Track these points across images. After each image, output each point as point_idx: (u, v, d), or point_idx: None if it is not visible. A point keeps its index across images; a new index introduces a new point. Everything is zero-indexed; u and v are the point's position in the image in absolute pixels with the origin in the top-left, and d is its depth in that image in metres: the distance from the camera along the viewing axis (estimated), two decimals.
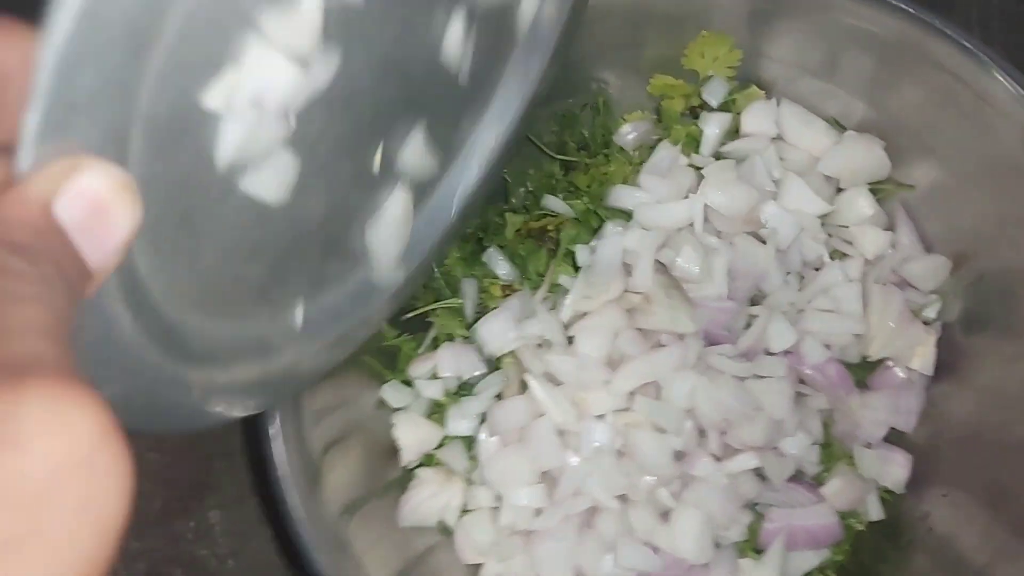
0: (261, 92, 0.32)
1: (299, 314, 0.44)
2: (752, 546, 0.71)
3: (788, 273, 0.72)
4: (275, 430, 0.62)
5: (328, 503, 0.64)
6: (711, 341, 0.70)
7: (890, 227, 0.75)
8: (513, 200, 0.78)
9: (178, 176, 0.31)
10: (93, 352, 0.28)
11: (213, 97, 0.30)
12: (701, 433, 0.69)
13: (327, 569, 0.61)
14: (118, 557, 0.74)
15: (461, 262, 0.75)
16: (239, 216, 0.35)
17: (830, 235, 0.75)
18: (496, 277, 0.74)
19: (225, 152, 0.32)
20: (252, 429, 0.64)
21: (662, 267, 0.69)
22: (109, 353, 0.31)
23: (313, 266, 0.44)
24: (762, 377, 0.69)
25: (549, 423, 0.68)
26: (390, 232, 0.48)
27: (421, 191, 0.51)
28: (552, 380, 0.69)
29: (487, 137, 0.54)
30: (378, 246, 0.47)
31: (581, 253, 0.70)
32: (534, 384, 0.67)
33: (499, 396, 0.72)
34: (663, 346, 0.67)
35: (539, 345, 0.70)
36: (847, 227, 0.75)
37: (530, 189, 0.78)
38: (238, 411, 0.44)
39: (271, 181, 0.35)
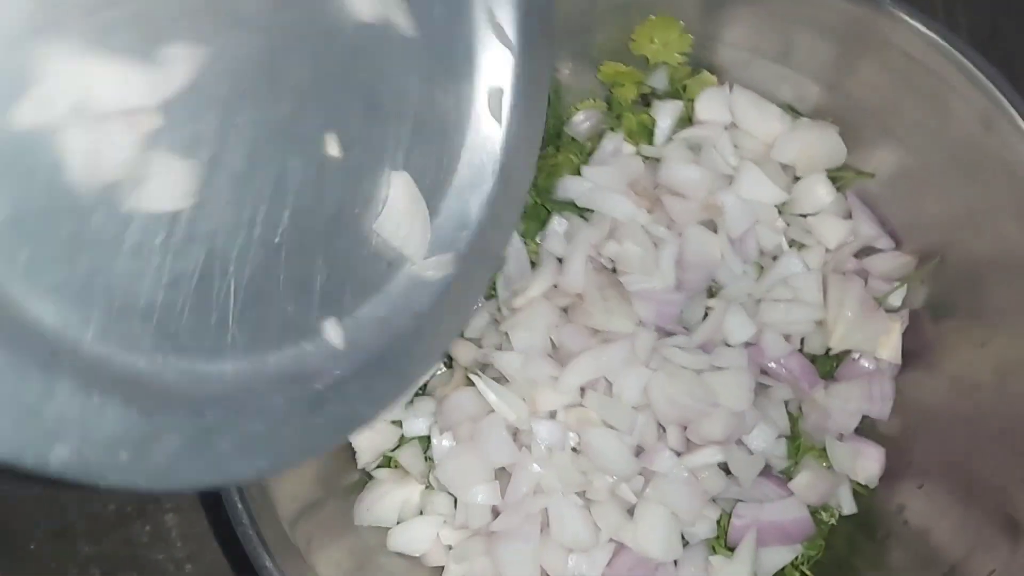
0: (82, 100, 0.29)
1: (333, 332, 0.40)
2: (723, 543, 0.69)
3: (745, 263, 0.70)
4: None
5: (281, 507, 0.62)
6: (666, 333, 0.68)
7: (849, 216, 0.74)
8: None
9: (38, 210, 0.28)
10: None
11: (22, 117, 0.27)
12: (661, 427, 0.68)
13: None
14: (71, 562, 0.72)
15: None
16: (146, 238, 0.32)
17: (788, 224, 0.73)
18: None
19: (79, 171, 0.29)
20: None
21: (599, 264, 0.67)
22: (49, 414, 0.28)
23: (325, 276, 0.40)
24: (720, 369, 0.67)
25: (500, 419, 0.66)
26: (399, 217, 0.42)
27: (435, 161, 0.43)
28: (499, 378, 0.67)
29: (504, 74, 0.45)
30: (394, 236, 0.42)
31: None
32: (479, 383, 0.66)
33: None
34: (611, 341, 0.66)
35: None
36: (806, 216, 0.73)
37: None
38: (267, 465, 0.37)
39: (162, 190, 0.32)
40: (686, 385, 0.65)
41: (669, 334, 0.68)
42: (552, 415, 0.67)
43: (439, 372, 0.72)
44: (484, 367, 0.69)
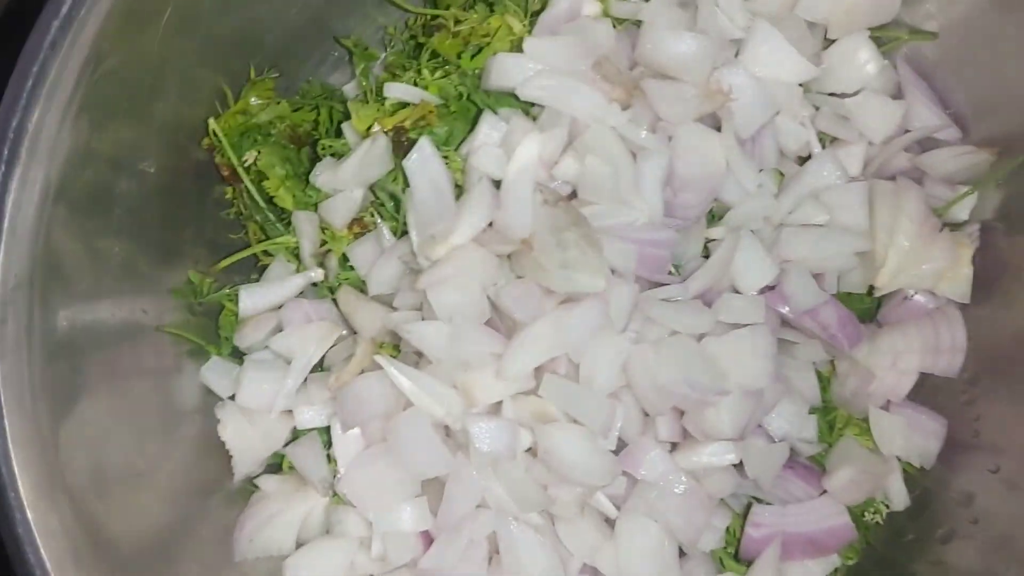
0: None
1: None
2: (732, 554, 0.55)
3: (760, 171, 0.52)
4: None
5: (117, 540, 0.47)
6: (652, 284, 0.50)
7: (900, 95, 0.56)
8: (362, 81, 0.54)
9: None
10: None
11: None
12: (646, 414, 0.51)
13: None
14: None
15: (291, 183, 0.52)
16: None
17: (817, 108, 0.55)
18: None
19: None
20: None
21: (553, 193, 0.47)
22: None
23: None
24: (729, 329, 0.49)
25: (423, 414, 0.49)
26: None
27: None
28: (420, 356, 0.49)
29: None
30: None
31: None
32: (388, 367, 0.48)
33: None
34: (575, 302, 0.47)
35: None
36: (842, 97, 0.55)
37: (386, 62, 0.54)
38: None
39: None
40: (680, 360, 0.48)
41: (656, 285, 0.50)
42: (495, 409, 0.50)
43: (338, 340, 0.52)
44: (398, 340, 0.51)
